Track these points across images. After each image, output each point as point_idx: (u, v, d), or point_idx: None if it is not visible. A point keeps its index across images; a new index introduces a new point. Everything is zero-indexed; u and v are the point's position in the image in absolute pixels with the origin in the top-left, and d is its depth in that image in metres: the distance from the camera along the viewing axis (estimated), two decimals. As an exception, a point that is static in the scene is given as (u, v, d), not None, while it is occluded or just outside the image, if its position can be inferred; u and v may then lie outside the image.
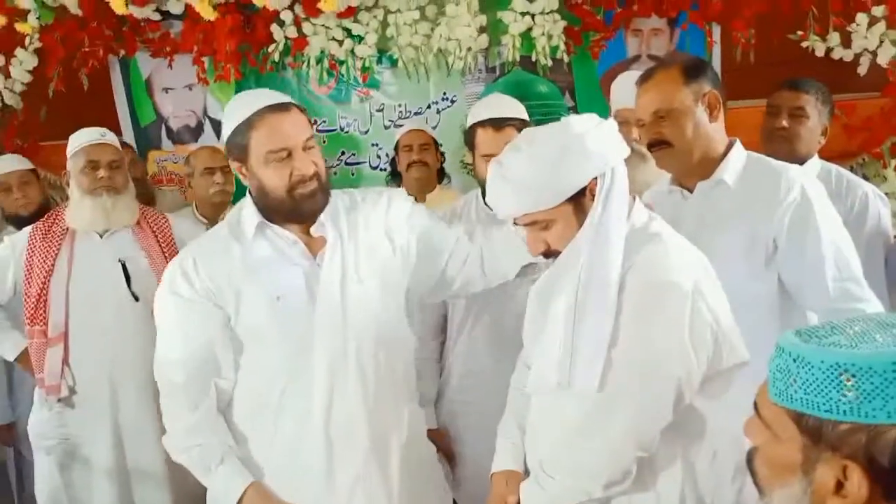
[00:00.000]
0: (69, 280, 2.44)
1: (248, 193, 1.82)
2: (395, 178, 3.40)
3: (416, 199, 3.15)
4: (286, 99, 1.76)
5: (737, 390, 1.44)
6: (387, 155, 3.75)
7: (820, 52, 3.24)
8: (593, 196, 1.47)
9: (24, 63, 3.59)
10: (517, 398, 1.73)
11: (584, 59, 3.50)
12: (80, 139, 2.52)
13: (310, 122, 1.80)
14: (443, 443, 2.36)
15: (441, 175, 3.40)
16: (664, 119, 1.86)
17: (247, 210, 1.80)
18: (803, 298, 1.83)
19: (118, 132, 3.81)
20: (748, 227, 1.80)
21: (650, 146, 1.91)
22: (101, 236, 2.50)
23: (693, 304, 1.41)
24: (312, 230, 1.79)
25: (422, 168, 3.24)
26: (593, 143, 1.45)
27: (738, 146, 1.91)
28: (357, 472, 1.75)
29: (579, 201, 1.47)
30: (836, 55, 3.24)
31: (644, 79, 1.93)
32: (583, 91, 3.56)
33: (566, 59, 3.44)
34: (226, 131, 1.76)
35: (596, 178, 1.46)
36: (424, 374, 2.34)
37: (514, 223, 1.56)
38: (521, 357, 1.81)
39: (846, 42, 3.22)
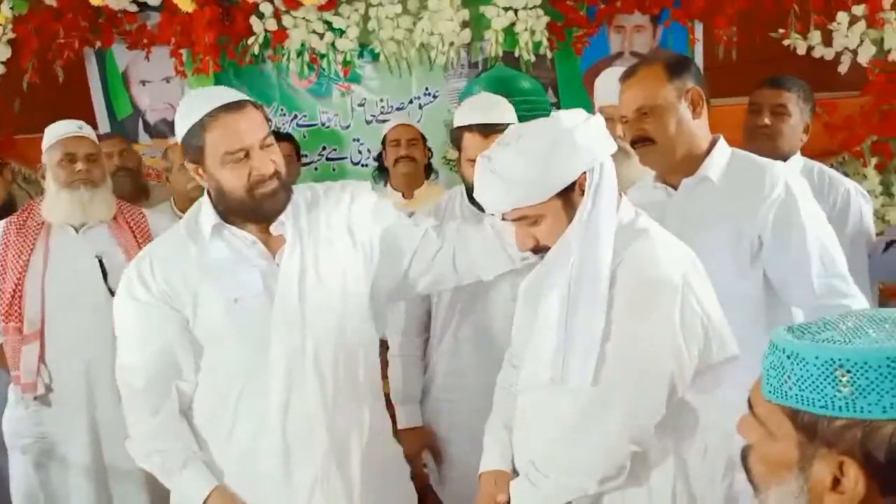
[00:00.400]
0: (45, 275, 2.39)
1: (205, 193, 1.78)
2: (382, 173, 3.37)
3: (403, 195, 3.16)
4: (240, 96, 1.71)
5: (727, 386, 1.45)
6: (368, 150, 3.72)
7: (801, 51, 3.27)
8: (582, 191, 1.48)
9: (-3, 54, 3.52)
10: (504, 397, 1.72)
11: (567, 55, 3.49)
12: (57, 131, 2.47)
13: (266, 118, 1.75)
14: (428, 441, 2.34)
15: (429, 171, 3.37)
16: (647, 116, 1.85)
17: (204, 210, 1.76)
18: (789, 295, 1.83)
19: (94, 125, 3.73)
20: (733, 223, 1.80)
21: (633, 143, 1.90)
22: (77, 231, 2.45)
23: (683, 298, 1.43)
24: (272, 229, 1.74)
25: (409, 163, 3.21)
26: (582, 137, 1.46)
27: (721, 143, 1.91)
28: (315, 473, 1.71)
29: (568, 196, 1.48)
30: (816, 53, 3.26)
31: (627, 75, 1.92)
32: (566, 87, 3.56)
33: (549, 54, 3.43)
34: (179, 132, 1.71)
35: (585, 174, 1.47)
36: (408, 372, 2.32)
37: (503, 218, 1.55)
38: (507, 355, 1.79)
39: (827, 40, 3.24)
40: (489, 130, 2.07)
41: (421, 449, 2.35)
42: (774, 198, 1.77)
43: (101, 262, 2.43)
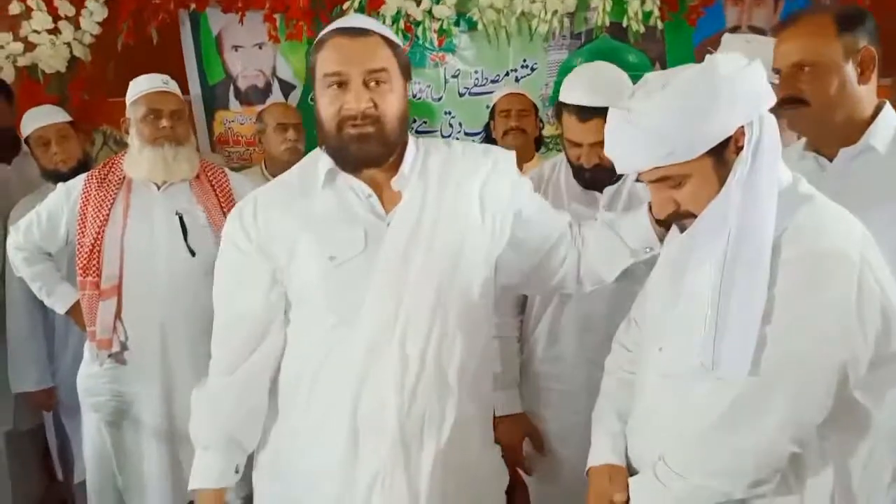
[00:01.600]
0: (124, 231, 2.32)
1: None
2: (489, 144, 3.19)
3: None
4: (373, 25, 1.51)
5: None
6: (460, 124, 3.58)
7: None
8: (738, 148, 1.27)
9: (94, 14, 3.51)
10: (616, 383, 1.53)
11: (679, 26, 3.24)
12: (141, 86, 2.39)
13: (403, 62, 1.51)
14: (528, 430, 2.14)
15: (539, 143, 3.17)
16: (806, 73, 1.60)
17: (323, 156, 1.58)
18: None
19: (185, 90, 3.71)
20: None
21: (782, 102, 1.63)
22: (158, 188, 2.38)
23: (861, 275, 1.22)
24: (393, 183, 1.53)
25: (519, 135, 3.02)
26: (743, 86, 1.25)
27: (889, 108, 1.65)
28: (378, 468, 1.50)
29: (721, 154, 1.27)
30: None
31: (789, 23, 1.67)
32: (676, 62, 3.24)
33: (660, 26, 3.19)
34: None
35: (742, 128, 1.26)
36: (506, 354, 2.11)
37: (638, 179, 1.35)
38: (619, 337, 1.61)
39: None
40: (588, 116, 1.85)
41: (521, 438, 2.14)
42: None
43: (181, 219, 2.35)
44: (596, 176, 1.96)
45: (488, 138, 3.19)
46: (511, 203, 1.60)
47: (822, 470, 1.25)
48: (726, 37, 2.43)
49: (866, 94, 1.63)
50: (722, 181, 1.27)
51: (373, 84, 1.46)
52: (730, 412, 1.24)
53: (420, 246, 1.52)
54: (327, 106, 1.48)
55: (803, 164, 1.70)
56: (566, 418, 2.03)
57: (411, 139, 1.60)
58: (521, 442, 2.15)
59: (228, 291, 1.60)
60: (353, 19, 1.58)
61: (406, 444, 1.50)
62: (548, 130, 3.36)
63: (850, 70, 1.60)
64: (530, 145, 3.08)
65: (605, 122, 1.39)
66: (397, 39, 1.54)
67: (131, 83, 2.42)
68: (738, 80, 1.25)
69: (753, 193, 1.25)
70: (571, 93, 1.90)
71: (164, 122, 2.33)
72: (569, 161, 2.02)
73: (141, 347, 2.33)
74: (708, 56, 1.31)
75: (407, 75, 1.53)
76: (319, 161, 1.58)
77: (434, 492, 1.52)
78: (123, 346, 2.32)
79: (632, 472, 1.41)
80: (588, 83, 1.89)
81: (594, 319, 1.96)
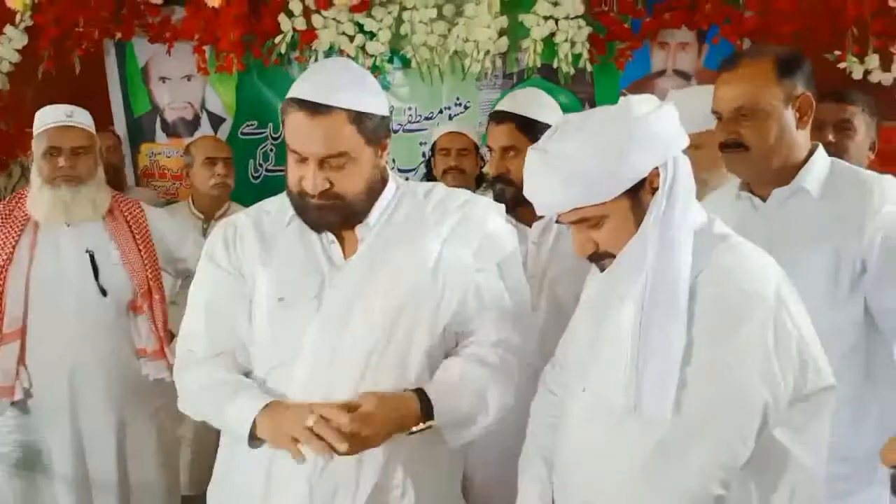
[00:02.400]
0: (30, 270, 2.19)
1: None
2: (430, 180, 3.16)
3: None
4: (341, 102, 1.42)
5: (818, 422, 1.26)
6: (394, 161, 3.56)
7: (857, 75, 3.07)
8: (653, 189, 1.28)
9: (13, 41, 3.39)
10: (542, 428, 1.51)
11: (608, 70, 3.32)
12: (45, 119, 2.28)
13: (374, 130, 1.46)
14: None
15: (480, 181, 3.15)
16: (746, 118, 1.63)
17: (281, 197, 1.60)
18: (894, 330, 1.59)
19: (110, 121, 3.62)
20: (831, 244, 1.58)
21: (724, 146, 1.68)
22: (67, 224, 2.26)
23: (777, 316, 1.23)
24: (357, 229, 1.53)
25: (458, 175, 2.99)
26: (657, 127, 1.26)
27: (821, 151, 1.69)
28: None
29: (638, 195, 1.28)
30: (874, 78, 3.07)
31: (728, 65, 1.68)
32: (604, 104, 3.35)
33: (588, 68, 3.26)
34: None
35: (657, 169, 1.27)
36: None
37: (558, 221, 1.35)
38: (543, 379, 1.58)
39: (886, 65, 3.05)
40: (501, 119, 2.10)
41: None
42: (883, 217, 1.55)
43: (92, 257, 2.24)
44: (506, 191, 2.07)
45: (429, 174, 3.17)
46: (469, 271, 1.54)
47: None
48: (673, 93, 2.48)
49: (803, 138, 1.66)
50: (639, 221, 1.28)
51: (329, 166, 1.44)
52: (655, 455, 1.23)
53: (365, 298, 1.49)
54: (290, 171, 1.49)
55: (738, 203, 1.74)
56: (496, 460, 1.97)
57: (392, 183, 1.59)
58: None
59: (210, 303, 1.59)
60: (318, 85, 1.45)
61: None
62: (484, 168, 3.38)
63: (790, 115, 1.63)
64: (470, 184, 3.08)
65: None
66: (370, 102, 1.47)
67: (37, 114, 2.32)
68: (651, 121, 1.26)
69: (668, 233, 1.25)
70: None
71: (62, 162, 2.22)
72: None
73: (47, 393, 2.21)
74: (622, 98, 1.33)
75: (376, 141, 1.49)
76: (280, 201, 1.59)
77: None
78: (27, 394, 2.19)
79: None
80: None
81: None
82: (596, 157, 1.24)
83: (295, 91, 1.46)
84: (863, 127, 2.35)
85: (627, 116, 1.26)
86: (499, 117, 2.13)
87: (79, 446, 2.23)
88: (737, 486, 1.23)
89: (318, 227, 1.53)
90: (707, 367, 1.22)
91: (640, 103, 1.29)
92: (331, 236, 1.53)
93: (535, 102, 2.18)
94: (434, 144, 3.09)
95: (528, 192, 1.35)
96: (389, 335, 1.48)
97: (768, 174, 1.66)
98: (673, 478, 1.21)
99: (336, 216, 1.49)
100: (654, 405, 1.22)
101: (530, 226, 2.10)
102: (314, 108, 1.42)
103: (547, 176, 1.28)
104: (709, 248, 1.27)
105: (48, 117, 2.28)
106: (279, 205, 1.61)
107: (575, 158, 1.25)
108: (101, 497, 2.23)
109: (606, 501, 1.27)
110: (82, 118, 2.32)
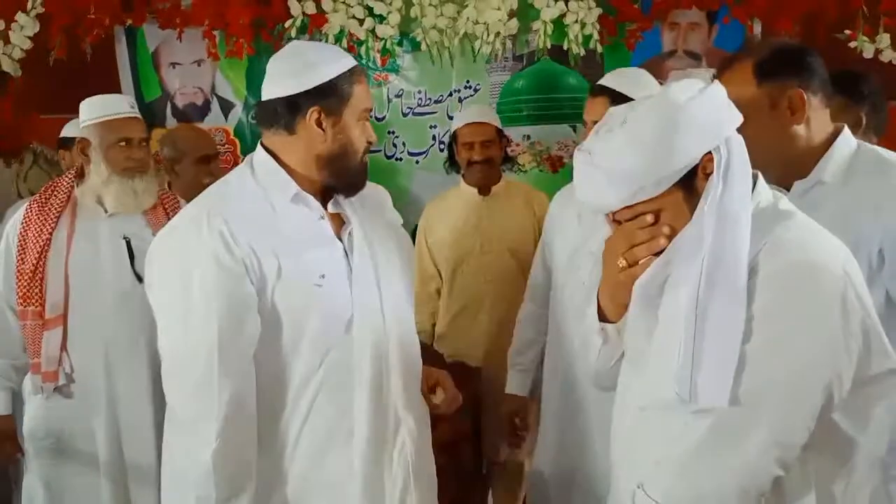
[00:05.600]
0: (68, 257, 2.22)
1: (269, 155, 1.63)
2: (453, 165, 3.12)
3: (479, 192, 3.01)
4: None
5: (882, 406, 1.22)
6: (403, 144, 3.58)
7: (868, 54, 3.08)
8: (706, 175, 1.23)
9: (24, 28, 3.37)
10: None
11: (618, 51, 3.32)
12: (106, 109, 2.29)
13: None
14: (521, 411, 2.51)
15: (506, 160, 3.14)
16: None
17: (280, 177, 1.60)
18: None
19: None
20: (848, 234, 1.49)
21: None
22: (106, 211, 2.28)
23: (844, 291, 1.17)
24: (331, 206, 1.65)
25: (485, 168, 2.96)
26: (701, 111, 1.21)
27: (843, 138, 1.64)
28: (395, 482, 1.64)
29: (691, 183, 1.23)
30: (885, 58, 3.08)
31: (721, 68, 1.66)
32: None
33: (599, 49, 3.26)
34: (325, 73, 1.56)
35: (709, 153, 1.22)
36: (520, 337, 2.55)
37: (614, 220, 1.31)
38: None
39: (897, 44, 3.05)
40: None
41: (511, 415, 2.50)
42: None
43: (128, 243, 2.27)
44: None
45: (452, 160, 3.11)
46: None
47: (804, 494, 1.22)
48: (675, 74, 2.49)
49: (810, 128, 1.61)
50: (693, 210, 1.23)
51: None
52: (710, 435, 1.18)
53: (381, 263, 1.66)
54: (361, 136, 1.61)
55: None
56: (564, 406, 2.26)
57: None
58: (511, 418, 2.51)
59: (216, 308, 1.49)
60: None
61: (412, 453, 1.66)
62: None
63: (782, 113, 1.58)
64: (497, 172, 3.05)
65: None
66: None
67: (91, 103, 2.32)
68: (693, 107, 1.21)
69: (727, 216, 1.19)
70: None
71: (136, 153, 2.25)
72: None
73: (86, 378, 2.24)
74: (662, 86, 1.29)
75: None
76: (278, 182, 1.60)
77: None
78: (70, 379, 2.23)
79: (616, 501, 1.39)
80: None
81: None
82: (641, 153, 1.20)
83: (342, 56, 1.64)
84: (863, 120, 2.29)
85: (669, 106, 1.21)
86: (596, 91, 2.24)
87: (115, 430, 2.26)
88: (797, 468, 1.20)
89: (357, 187, 1.65)
90: (769, 343, 1.16)
91: (681, 90, 1.24)
92: (321, 211, 1.61)
93: (634, 80, 2.24)
94: (455, 133, 3.04)
95: (578, 195, 1.32)
96: (407, 295, 1.74)
97: (776, 169, 1.61)
98: (729, 458, 1.17)
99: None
100: (712, 396, 1.17)
101: None
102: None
103: (594, 177, 1.25)
104: (771, 224, 1.23)
105: (111, 107, 2.29)
106: (254, 194, 1.59)
107: (620, 157, 1.21)
108: (137, 483, 2.26)
109: (660, 484, 1.23)
110: (138, 111, 2.37)
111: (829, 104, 1.66)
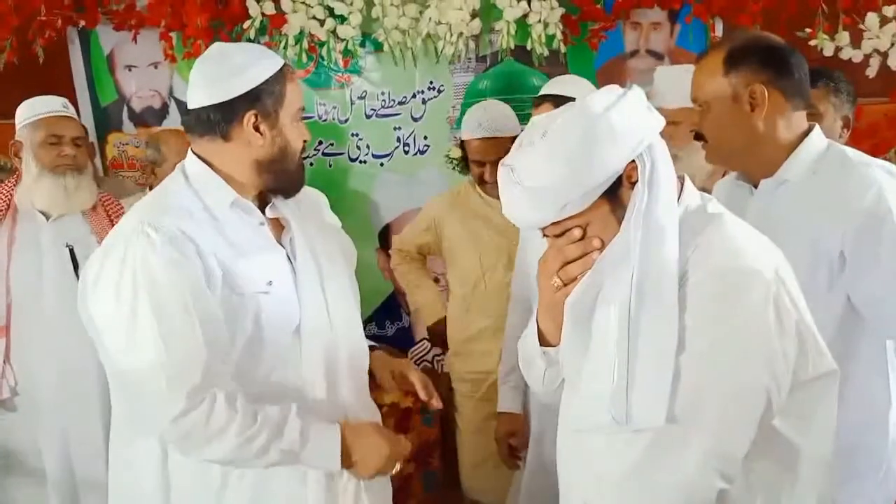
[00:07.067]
0: (9, 266, 2.16)
1: (202, 163, 1.56)
2: (465, 169, 2.94)
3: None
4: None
5: (822, 410, 1.21)
6: (367, 146, 3.53)
7: (828, 52, 3.10)
8: (631, 184, 1.19)
9: (-28, 31, 3.28)
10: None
11: (581, 50, 3.30)
12: (38, 109, 2.26)
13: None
14: (517, 429, 2.38)
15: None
16: (703, 110, 1.63)
17: (216, 184, 1.54)
18: (881, 326, 1.54)
19: (76, 112, 3.53)
20: (809, 236, 1.53)
21: (695, 137, 1.68)
22: (46, 218, 2.21)
23: (777, 295, 1.14)
24: (269, 211, 1.62)
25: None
26: (621, 119, 1.16)
27: (812, 137, 1.63)
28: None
29: (616, 194, 1.19)
30: (844, 55, 3.10)
31: (697, 59, 1.69)
32: (578, 85, 3.37)
33: (562, 49, 3.24)
34: (254, 77, 1.49)
35: (633, 162, 1.18)
36: (508, 353, 2.40)
37: (544, 235, 1.27)
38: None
39: (856, 42, 3.08)
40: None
41: (509, 435, 2.39)
42: (864, 204, 1.49)
43: (72, 251, 2.21)
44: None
45: (465, 159, 2.90)
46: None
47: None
48: (660, 69, 2.50)
49: (773, 126, 1.61)
50: (621, 221, 1.20)
51: None
52: (648, 454, 1.14)
53: (325, 266, 1.64)
54: (297, 137, 1.58)
55: (739, 190, 1.71)
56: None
57: None
58: (505, 438, 2.40)
59: (191, 310, 1.41)
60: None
61: None
62: (454, 153, 3.34)
63: (742, 107, 1.59)
64: None
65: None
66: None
67: (25, 105, 2.29)
68: (613, 115, 1.16)
69: (653, 227, 1.16)
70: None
71: (67, 150, 2.20)
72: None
73: (31, 391, 2.18)
74: (579, 98, 1.24)
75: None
76: (211, 187, 1.54)
77: None
78: (13, 392, 2.16)
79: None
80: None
81: None
82: (563, 168, 1.16)
83: (270, 56, 1.59)
84: (830, 109, 2.30)
85: (588, 116, 1.17)
86: (538, 101, 2.30)
87: (66, 444, 2.20)
88: (741, 478, 1.17)
89: (296, 189, 1.62)
90: (702, 351, 1.13)
91: (599, 99, 1.19)
92: (261, 217, 1.59)
93: (574, 82, 2.37)
94: (463, 143, 2.85)
95: (505, 213, 1.27)
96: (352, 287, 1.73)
97: (742, 164, 1.65)
98: (670, 473, 1.13)
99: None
100: (646, 417, 1.13)
101: None
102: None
103: (518, 195, 1.20)
104: (700, 228, 1.20)
105: (41, 107, 2.27)
106: (193, 204, 1.52)
107: (540, 173, 1.17)
108: (87, 497, 2.20)
109: (605, 501, 1.20)
110: (73, 112, 2.35)
111: (805, 106, 1.66)
